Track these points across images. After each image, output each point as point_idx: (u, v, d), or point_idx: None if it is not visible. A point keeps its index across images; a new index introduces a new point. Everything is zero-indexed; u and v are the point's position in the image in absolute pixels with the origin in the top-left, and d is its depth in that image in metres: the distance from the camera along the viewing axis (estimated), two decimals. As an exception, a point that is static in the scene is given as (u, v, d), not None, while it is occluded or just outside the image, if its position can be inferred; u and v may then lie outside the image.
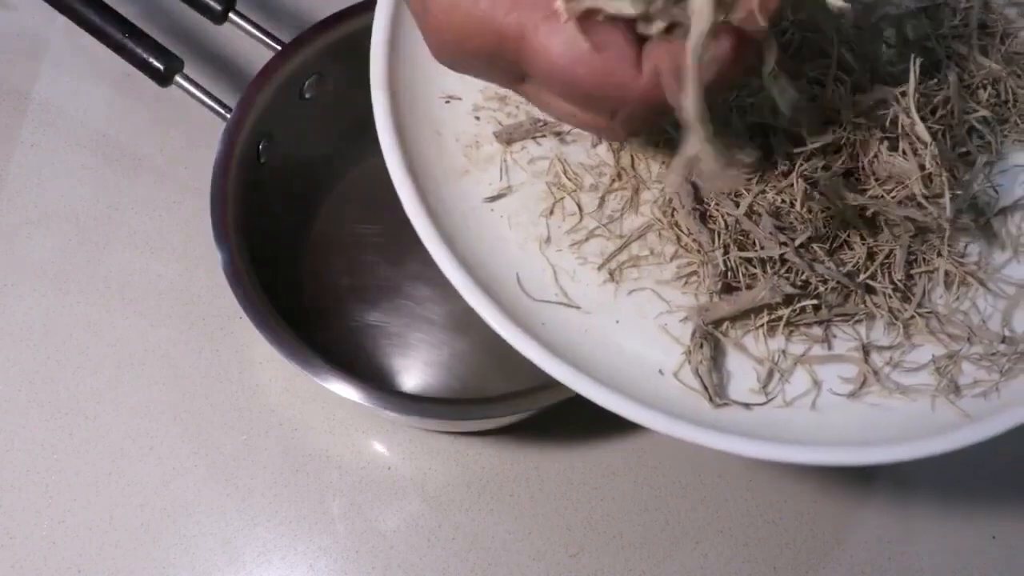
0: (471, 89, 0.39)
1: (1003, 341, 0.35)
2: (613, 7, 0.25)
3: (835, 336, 0.36)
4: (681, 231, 0.36)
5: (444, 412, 0.43)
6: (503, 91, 0.39)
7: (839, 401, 0.35)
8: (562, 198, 0.38)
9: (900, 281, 0.36)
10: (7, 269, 0.54)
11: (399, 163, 0.35)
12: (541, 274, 0.36)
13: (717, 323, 0.36)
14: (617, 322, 0.36)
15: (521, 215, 0.37)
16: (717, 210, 0.35)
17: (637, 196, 0.37)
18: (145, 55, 0.47)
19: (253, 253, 0.45)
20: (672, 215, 0.37)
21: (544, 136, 0.39)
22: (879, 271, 0.36)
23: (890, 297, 0.36)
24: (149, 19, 0.59)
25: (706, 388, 0.34)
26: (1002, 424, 0.32)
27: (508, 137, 0.39)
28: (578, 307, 0.36)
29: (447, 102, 0.39)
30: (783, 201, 0.35)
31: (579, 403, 0.53)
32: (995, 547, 0.50)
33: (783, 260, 0.34)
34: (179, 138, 0.58)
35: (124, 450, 0.50)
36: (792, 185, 0.34)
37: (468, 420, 0.45)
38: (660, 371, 0.35)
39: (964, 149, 0.37)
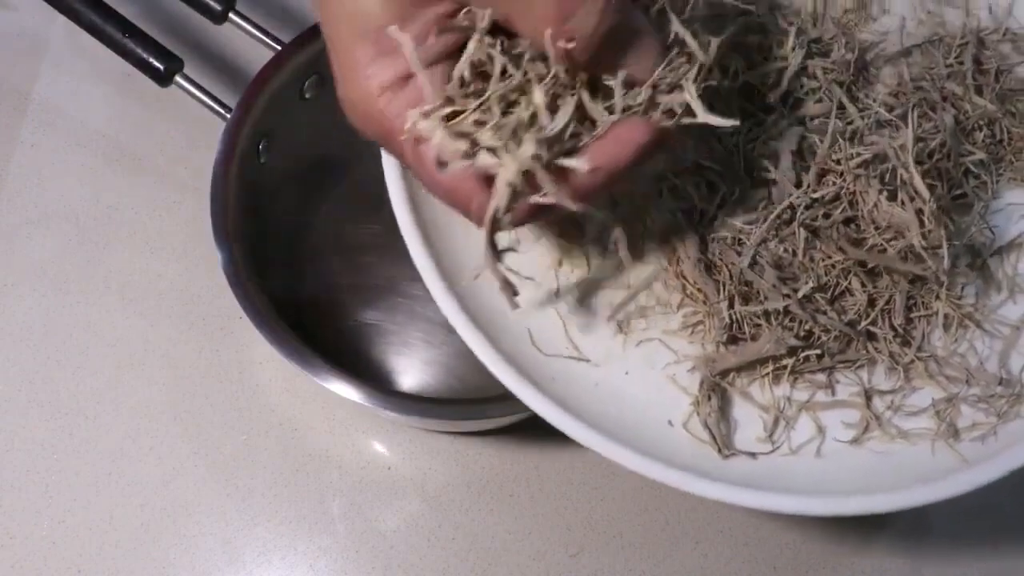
0: None
1: (1000, 383, 0.35)
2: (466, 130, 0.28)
3: (838, 382, 0.37)
4: (687, 280, 0.37)
5: (444, 412, 0.43)
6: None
7: (843, 448, 0.35)
8: (569, 249, 0.38)
9: (900, 326, 0.36)
10: (7, 269, 0.54)
11: (408, 218, 0.35)
12: (552, 328, 0.36)
13: (724, 373, 0.36)
14: (626, 374, 0.36)
15: (531, 269, 0.37)
16: (721, 260, 0.35)
17: (642, 245, 0.38)
18: (145, 55, 0.47)
19: (253, 253, 0.45)
20: (677, 264, 0.37)
21: None
22: (879, 316, 0.36)
23: (890, 342, 0.36)
24: (149, 19, 0.59)
25: (715, 439, 0.34)
26: (999, 469, 0.33)
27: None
28: (588, 360, 0.36)
29: None
30: (785, 250, 0.35)
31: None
32: (996, 556, 0.50)
33: (787, 311, 0.35)
34: (179, 138, 0.58)
35: (124, 450, 0.50)
36: (794, 233, 0.35)
37: (468, 420, 0.45)
38: (669, 422, 0.35)
39: (960, 191, 0.38)
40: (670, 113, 0.29)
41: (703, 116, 0.29)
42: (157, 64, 0.47)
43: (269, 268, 0.46)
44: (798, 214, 0.35)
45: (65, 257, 0.54)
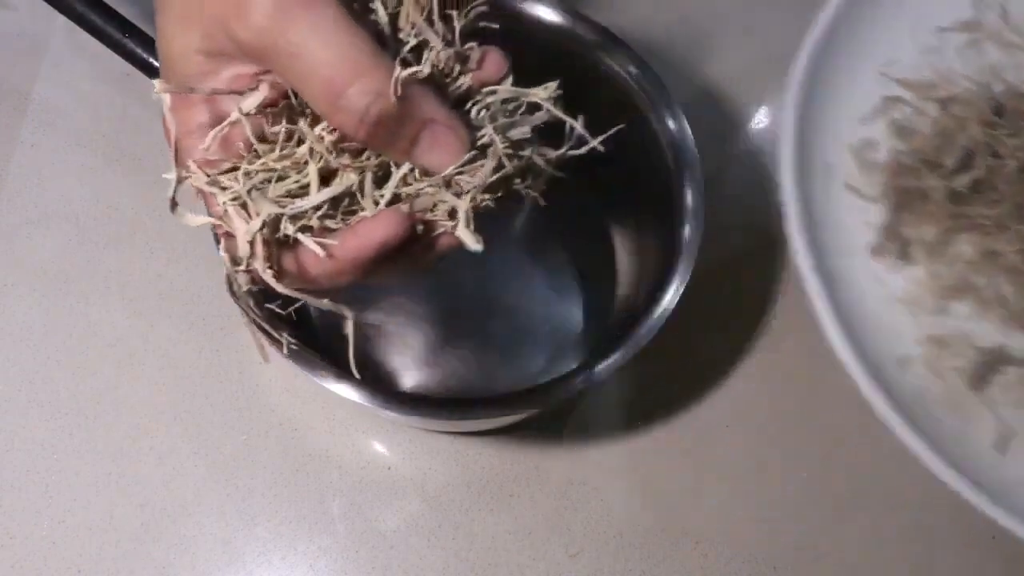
0: (911, 339, 0.43)
1: None
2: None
3: None
4: None
5: (444, 412, 0.43)
6: (938, 332, 0.43)
7: None
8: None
9: None
10: (7, 269, 0.54)
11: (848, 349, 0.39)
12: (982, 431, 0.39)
13: None
14: None
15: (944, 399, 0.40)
16: None
17: None
18: (145, 55, 0.47)
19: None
20: None
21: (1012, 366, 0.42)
22: None
23: None
24: (149, 19, 0.59)
25: None
26: None
27: (977, 380, 0.41)
28: None
29: (899, 365, 0.42)
30: None
31: (579, 403, 0.53)
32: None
33: None
34: (179, 138, 0.58)
35: (124, 450, 0.50)
36: None
37: (468, 420, 0.45)
38: None
39: None
40: (452, 214, 0.29)
41: (460, 231, 0.29)
42: (157, 64, 0.47)
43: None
44: None
45: (65, 257, 0.54)
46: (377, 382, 0.49)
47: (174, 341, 0.52)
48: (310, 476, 0.50)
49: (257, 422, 0.51)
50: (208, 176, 0.29)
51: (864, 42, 0.46)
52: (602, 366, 0.41)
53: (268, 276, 0.28)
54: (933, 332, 0.42)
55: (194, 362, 0.52)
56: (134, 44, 0.47)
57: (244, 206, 0.28)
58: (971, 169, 0.43)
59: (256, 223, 0.28)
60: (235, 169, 0.29)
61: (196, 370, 0.52)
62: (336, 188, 0.28)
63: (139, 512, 0.49)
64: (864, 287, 0.43)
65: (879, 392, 0.38)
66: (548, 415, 0.51)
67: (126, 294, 0.53)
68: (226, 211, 0.28)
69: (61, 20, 0.47)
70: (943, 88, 0.46)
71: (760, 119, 0.60)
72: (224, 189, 0.29)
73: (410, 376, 0.52)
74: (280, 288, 0.29)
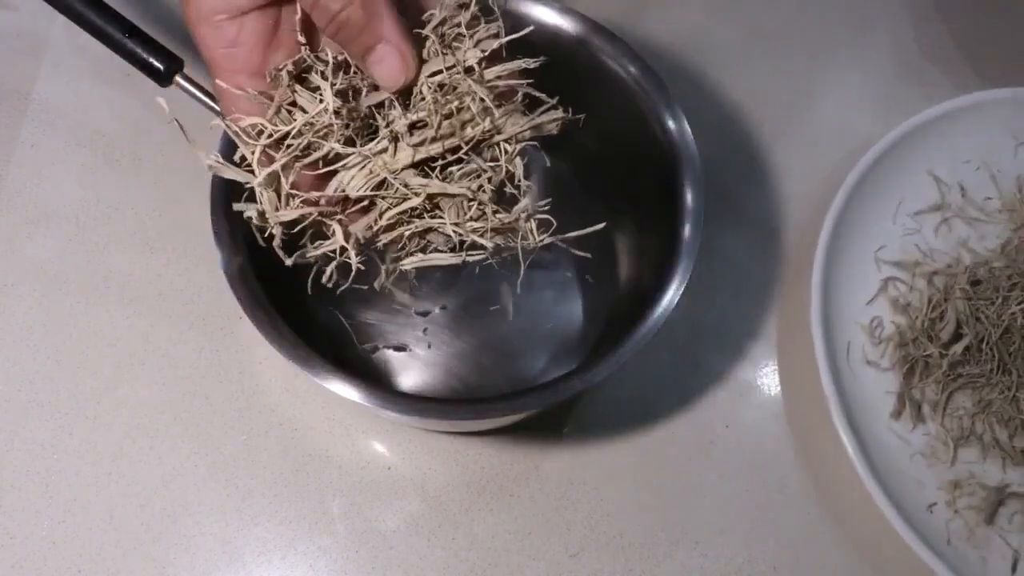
0: (934, 487, 0.51)
1: None
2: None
3: None
4: None
5: (444, 412, 0.43)
6: (953, 477, 0.51)
7: None
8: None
9: None
10: (7, 269, 0.54)
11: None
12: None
13: None
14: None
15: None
16: None
17: None
18: (145, 55, 0.47)
19: (253, 253, 0.45)
20: None
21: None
22: None
23: None
24: (149, 19, 0.59)
25: None
26: None
27: (989, 514, 0.49)
28: None
29: (927, 510, 0.50)
30: None
31: (579, 403, 0.53)
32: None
33: None
34: (179, 138, 0.58)
35: (124, 450, 0.50)
36: None
37: (468, 420, 0.45)
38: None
39: None
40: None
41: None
42: (157, 64, 0.47)
43: (269, 268, 0.45)
44: None
45: (65, 257, 0.54)
46: (377, 382, 0.49)
47: (174, 341, 0.52)
48: (310, 476, 0.50)
49: (257, 422, 0.51)
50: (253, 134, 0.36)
51: (861, 235, 0.54)
52: (602, 366, 0.41)
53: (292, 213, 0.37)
54: (949, 478, 0.51)
55: (194, 362, 0.52)
56: (134, 44, 0.47)
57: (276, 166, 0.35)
58: (962, 338, 0.52)
59: (289, 216, 0.36)
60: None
61: (196, 370, 0.52)
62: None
63: (139, 512, 0.49)
64: (891, 446, 0.51)
65: (914, 535, 0.46)
66: (548, 415, 0.51)
67: (126, 294, 0.53)
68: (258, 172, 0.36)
69: (61, 20, 0.47)
70: (927, 264, 0.55)
71: (769, 126, 0.60)
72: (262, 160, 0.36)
73: (410, 376, 0.52)
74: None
